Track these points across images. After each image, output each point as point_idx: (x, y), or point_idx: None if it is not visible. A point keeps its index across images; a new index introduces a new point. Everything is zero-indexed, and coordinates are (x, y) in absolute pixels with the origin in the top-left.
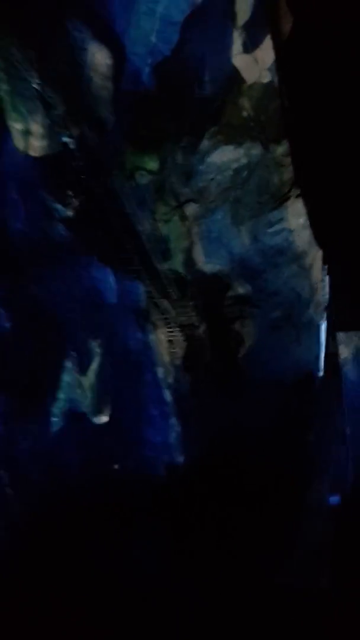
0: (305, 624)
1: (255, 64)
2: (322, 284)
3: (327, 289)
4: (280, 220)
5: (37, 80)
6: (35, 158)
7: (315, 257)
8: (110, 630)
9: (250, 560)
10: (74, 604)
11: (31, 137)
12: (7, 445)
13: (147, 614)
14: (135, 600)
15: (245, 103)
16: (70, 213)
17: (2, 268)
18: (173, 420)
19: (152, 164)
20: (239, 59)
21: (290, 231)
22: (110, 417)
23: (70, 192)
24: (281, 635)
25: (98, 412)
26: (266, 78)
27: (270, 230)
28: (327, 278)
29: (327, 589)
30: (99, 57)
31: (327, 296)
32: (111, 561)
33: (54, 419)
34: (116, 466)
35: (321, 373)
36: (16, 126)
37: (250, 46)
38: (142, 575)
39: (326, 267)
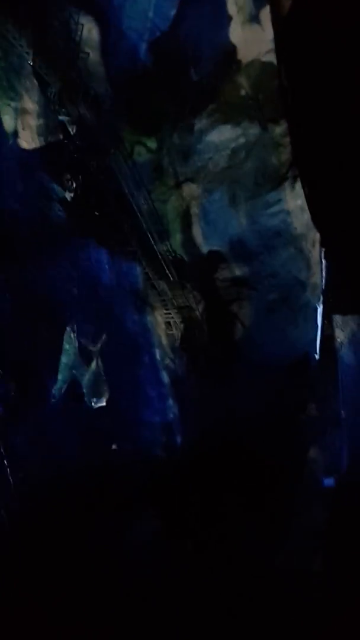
0: (298, 605)
1: (254, 41)
2: (319, 266)
3: (324, 272)
4: (278, 201)
5: (33, 57)
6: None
7: (313, 239)
8: (108, 614)
9: (245, 542)
10: (73, 586)
11: (27, 115)
12: (6, 426)
13: (144, 595)
14: (133, 582)
15: (243, 81)
16: (67, 193)
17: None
18: (170, 402)
19: (150, 143)
20: (236, 35)
21: (288, 213)
22: (108, 398)
23: (67, 172)
24: (275, 616)
25: (96, 394)
26: (265, 56)
27: (268, 211)
28: (324, 261)
29: (320, 571)
30: (95, 33)
31: (324, 279)
32: (109, 542)
33: (53, 400)
34: (114, 446)
35: (317, 356)
36: (11, 104)
37: (248, 22)
38: (139, 556)
39: (324, 250)
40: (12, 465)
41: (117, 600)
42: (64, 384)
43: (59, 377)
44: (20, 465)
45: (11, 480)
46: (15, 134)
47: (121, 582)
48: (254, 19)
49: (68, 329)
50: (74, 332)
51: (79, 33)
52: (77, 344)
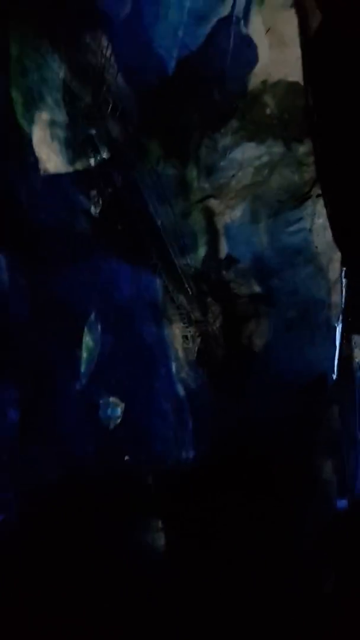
0: (306, 628)
1: (281, 61)
2: (339, 285)
3: (344, 291)
4: (300, 219)
5: (64, 72)
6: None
7: (333, 258)
8: (114, 620)
9: (255, 561)
10: (81, 592)
11: (57, 128)
12: (20, 432)
13: (151, 605)
14: (140, 591)
15: (269, 100)
16: (93, 208)
17: (23, 257)
18: (185, 416)
19: (175, 158)
20: (264, 55)
21: (309, 231)
22: (123, 409)
23: (95, 188)
24: (284, 635)
25: (111, 404)
26: (291, 76)
27: (289, 229)
28: (344, 280)
29: (330, 594)
30: (125, 50)
31: (344, 298)
32: (116, 552)
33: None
34: (127, 458)
35: (335, 375)
36: (42, 116)
37: (276, 43)
38: (147, 569)
39: (344, 269)
40: (23, 471)
41: (124, 608)
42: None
43: (76, 386)
44: (32, 472)
45: (22, 486)
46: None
47: (128, 591)
48: (281, 39)
49: (86, 338)
50: (92, 340)
51: (109, 50)
52: (93, 353)
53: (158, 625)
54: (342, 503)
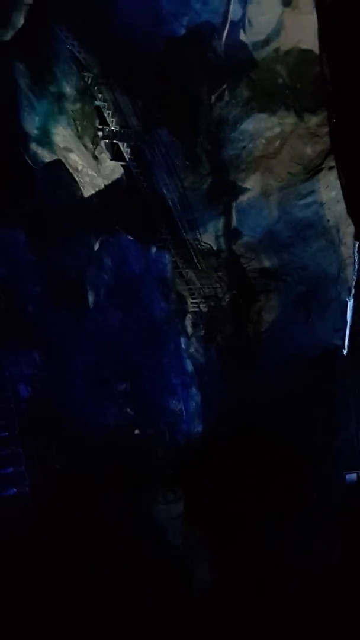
0: (316, 592)
1: (294, 28)
2: (351, 260)
3: (356, 265)
4: (312, 192)
5: (72, 41)
6: None
7: (346, 232)
8: (125, 591)
9: (263, 531)
10: (92, 562)
11: (65, 101)
12: (31, 407)
13: (160, 575)
14: (150, 563)
15: (281, 69)
16: (100, 180)
17: (32, 232)
18: (193, 390)
19: (185, 130)
20: (276, 22)
21: (321, 204)
22: (133, 384)
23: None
24: (292, 602)
25: (121, 378)
26: (305, 43)
27: (301, 202)
28: (357, 254)
29: (337, 564)
30: (134, 18)
31: (356, 273)
32: (126, 525)
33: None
34: (137, 431)
35: (345, 350)
36: (50, 89)
37: (289, 9)
38: (157, 539)
39: (357, 243)
40: (34, 446)
41: (134, 578)
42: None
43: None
44: (42, 446)
45: (34, 460)
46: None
47: (137, 559)
48: (296, 4)
49: (95, 312)
50: (101, 315)
51: (118, 19)
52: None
53: (170, 592)
54: (352, 477)
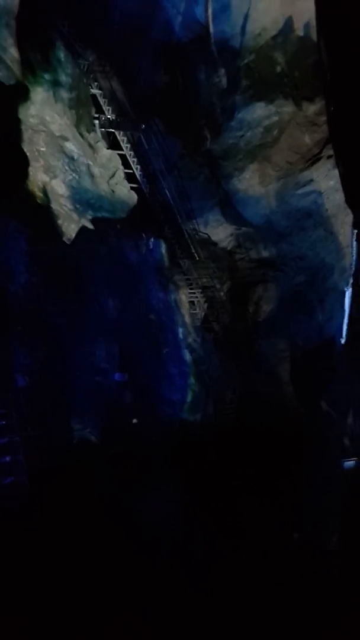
0: (314, 580)
1: (294, 15)
2: (349, 249)
3: (354, 255)
4: (310, 181)
5: (67, 27)
6: None
7: (345, 221)
8: (125, 579)
9: (262, 518)
10: (93, 549)
11: (60, 89)
12: (30, 396)
13: (161, 561)
14: (148, 549)
15: (279, 57)
16: (97, 169)
17: (26, 222)
18: (191, 380)
19: (182, 118)
20: (274, 9)
21: (320, 193)
22: (131, 374)
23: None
24: (292, 590)
25: (119, 368)
26: (303, 31)
27: (299, 191)
28: (355, 244)
29: (336, 550)
30: (131, 5)
31: (354, 262)
32: (124, 513)
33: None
34: (135, 421)
35: (343, 340)
36: (45, 77)
37: None
38: (155, 528)
39: (355, 232)
40: (33, 434)
41: (135, 564)
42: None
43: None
44: (41, 435)
45: (32, 449)
46: None
47: (137, 546)
48: None
49: (93, 302)
50: (98, 305)
51: (114, 4)
52: (100, 318)
53: (171, 579)
54: (350, 464)
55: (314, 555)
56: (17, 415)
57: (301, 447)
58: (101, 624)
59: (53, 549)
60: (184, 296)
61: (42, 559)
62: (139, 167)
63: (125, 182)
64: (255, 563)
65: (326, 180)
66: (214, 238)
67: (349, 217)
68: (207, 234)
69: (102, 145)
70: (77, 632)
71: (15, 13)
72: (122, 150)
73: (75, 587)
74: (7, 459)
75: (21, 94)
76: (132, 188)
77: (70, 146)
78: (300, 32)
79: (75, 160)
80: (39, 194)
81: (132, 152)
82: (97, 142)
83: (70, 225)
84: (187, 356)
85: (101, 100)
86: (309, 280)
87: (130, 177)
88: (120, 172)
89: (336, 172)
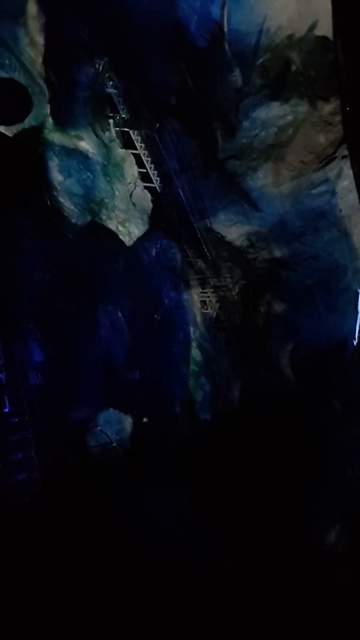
0: (322, 581)
1: (308, 14)
2: None
3: None
4: (324, 181)
5: (83, 27)
6: None
7: (358, 222)
8: (132, 578)
9: (269, 521)
10: (99, 549)
11: (76, 88)
12: (42, 394)
13: (168, 561)
14: (158, 549)
15: (294, 57)
16: (111, 167)
17: (45, 221)
18: (202, 379)
19: (196, 118)
20: (291, 7)
21: (334, 193)
22: (142, 373)
23: None
24: (298, 592)
25: (130, 367)
26: (320, 30)
27: (313, 191)
28: None
29: (342, 554)
30: (146, 4)
31: None
32: (135, 512)
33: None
34: (145, 419)
35: (356, 341)
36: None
37: None
38: (161, 529)
39: None
40: (44, 431)
41: (141, 564)
42: (100, 356)
43: (95, 348)
44: (52, 432)
45: (43, 445)
46: None
47: (147, 545)
48: None
49: (105, 300)
50: (110, 303)
51: (130, 5)
52: (112, 316)
53: (181, 575)
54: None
55: (321, 558)
56: (30, 413)
57: (311, 448)
58: (110, 622)
59: (63, 547)
60: (195, 296)
61: (52, 556)
62: (152, 166)
63: (139, 181)
64: (262, 565)
65: (340, 181)
66: (227, 237)
67: None
68: (220, 233)
69: (116, 145)
70: (85, 629)
71: (31, 12)
72: (136, 149)
73: (84, 585)
74: (20, 455)
75: (36, 93)
76: (145, 187)
77: (84, 145)
78: (316, 31)
79: (89, 159)
80: (53, 192)
81: (146, 152)
82: (111, 141)
83: (84, 224)
84: (199, 356)
85: (116, 100)
86: (321, 281)
87: (144, 177)
88: (135, 172)
89: (350, 172)
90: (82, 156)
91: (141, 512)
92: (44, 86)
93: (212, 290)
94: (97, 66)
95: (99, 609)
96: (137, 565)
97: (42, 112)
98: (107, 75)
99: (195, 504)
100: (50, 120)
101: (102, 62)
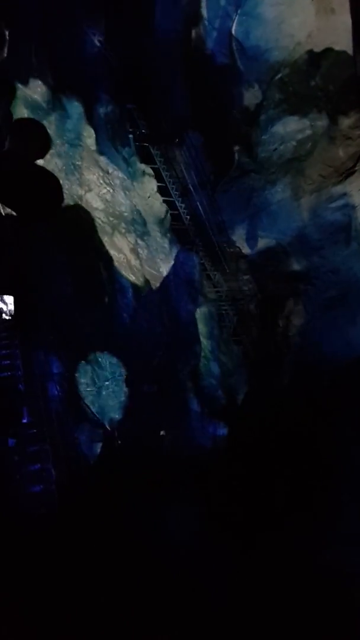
0: (341, 603)
1: (328, 30)
2: None
3: None
4: (343, 195)
5: (104, 43)
6: None
7: None
8: (148, 592)
9: (288, 537)
10: (115, 563)
11: (99, 107)
12: (62, 405)
13: (185, 578)
14: (172, 562)
15: (313, 72)
16: (130, 182)
17: (65, 236)
18: (220, 393)
19: (215, 132)
20: (310, 23)
21: (353, 207)
22: (159, 386)
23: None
24: (318, 613)
25: (147, 380)
26: (339, 45)
27: (332, 205)
28: None
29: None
30: (166, 19)
31: None
32: (149, 525)
33: (106, 383)
34: (162, 433)
35: None
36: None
37: (323, 10)
38: (177, 543)
39: None
40: (63, 444)
41: (158, 579)
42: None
43: (113, 360)
44: (70, 444)
45: (61, 458)
46: None
47: (162, 559)
48: (329, 5)
49: (123, 312)
50: (128, 316)
51: (151, 20)
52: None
53: (196, 586)
54: None
55: (341, 576)
56: (48, 424)
57: (331, 465)
58: (124, 636)
59: (79, 559)
60: (213, 308)
61: (68, 568)
62: (171, 180)
63: (158, 195)
64: (279, 583)
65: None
66: (245, 251)
67: None
68: (238, 246)
69: (136, 160)
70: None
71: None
72: (155, 164)
73: (97, 597)
74: (37, 466)
75: (57, 109)
76: (164, 201)
77: (105, 160)
78: (335, 47)
79: (109, 174)
80: (74, 207)
81: (165, 166)
82: (131, 156)
83: (104, 238)
84: (216, 369)
85: (135, 115)
86: (341, 295)
87: (163, 191)
88: (154, 186)
89: None
90: (102, 171)
91: (158, 526)
92: (65, 101)
93: (230, 303)
94: (116, 82)
95: (112, 621)
96: (152, 581)
97: (62, 127)
98: (126, 90)
99: (212, 519)
100: (70, 135)
101: (122, 77)
